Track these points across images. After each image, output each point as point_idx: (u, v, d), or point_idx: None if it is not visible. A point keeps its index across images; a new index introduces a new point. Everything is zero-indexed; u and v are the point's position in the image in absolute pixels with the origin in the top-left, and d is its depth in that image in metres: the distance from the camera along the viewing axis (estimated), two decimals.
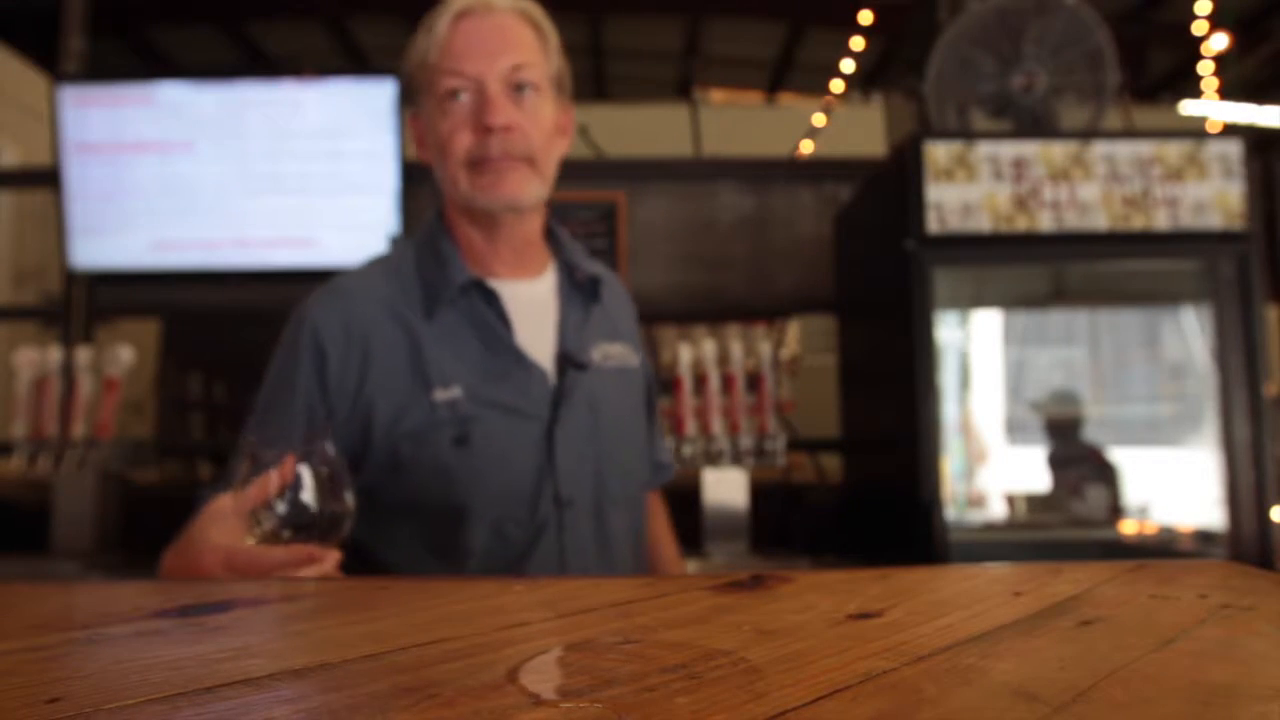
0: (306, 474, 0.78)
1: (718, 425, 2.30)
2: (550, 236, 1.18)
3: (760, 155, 3.12)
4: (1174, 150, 2.05)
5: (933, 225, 2.01)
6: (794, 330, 3.85)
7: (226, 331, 3.24)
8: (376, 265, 1.18)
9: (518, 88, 1.06)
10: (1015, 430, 2.79)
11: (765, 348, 2.39)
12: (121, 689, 0.35)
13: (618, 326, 1.20)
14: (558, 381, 1.07)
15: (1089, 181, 2.04)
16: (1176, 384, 2.61)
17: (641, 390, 1.23)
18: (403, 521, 1.04)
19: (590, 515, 1.08)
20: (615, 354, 1.16)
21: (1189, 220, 2.03)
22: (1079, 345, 2.92)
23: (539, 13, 1.10)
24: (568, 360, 1.08)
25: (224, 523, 0.84)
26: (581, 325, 1.12)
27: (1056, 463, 2.62)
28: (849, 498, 2.62)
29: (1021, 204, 2.03)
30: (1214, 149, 2.05)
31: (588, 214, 2.82)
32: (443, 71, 1.05)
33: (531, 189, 1.08)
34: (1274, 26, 5.58)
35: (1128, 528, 2.41)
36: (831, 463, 2.88)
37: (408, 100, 1.16)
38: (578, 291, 1.15)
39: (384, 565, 1.03)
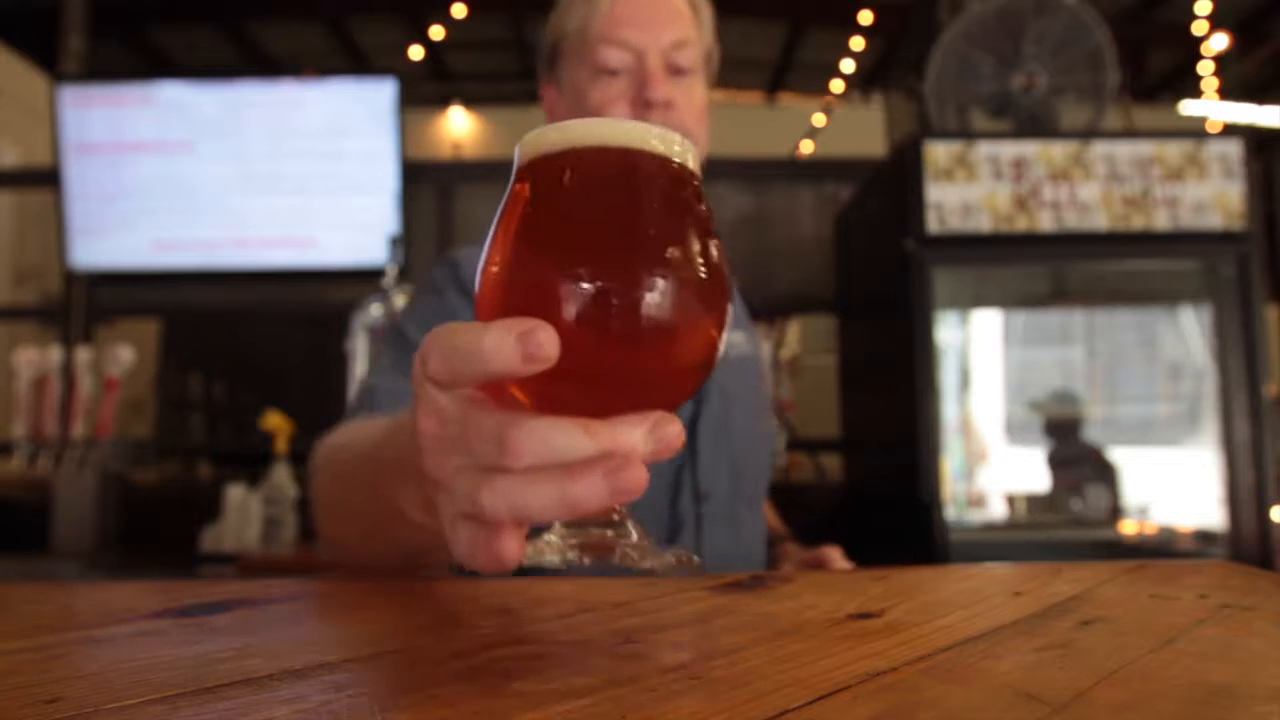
0: None
1: None
2: None
3: (760, 155, 3.12)
4: (1174, 150, 2.05)
5: (933, 225, 2.01)
6: (794, 330, 3.85)
7: (226, 331, 3.24)
8: None
9: (676, 69, 1.03)
10: (1015, 430, 2.79)
11: (765, 348, 2.39)
12: (121, 689, 0.35)
13: (737, 316, 1.17)
14: None
15: (1089, 181, 2.04)
16: (1176, 384, 2.61)
17: (766, 379, 1.22)
18: None
19: (725, 513, 1.05)
20: (737, 342, 1.14)
21: (1189, 220, 2.03)
22: (1078, 345, 2.92)
23: None
24: None
25: None
26: None
27: (1056, 463, 2.62)
28: (849, 498, 2.62)
29: (1021, 204, 2.03)
30: (1214, 149, 2.05)
31: None
32: (603, 41, 1.01)
33: None
34: (1274, 26, 5.58)
35: (1128, 528, 2.41)
36: (831, 463, 2.88)
37: (546, 67, 1.11)
38: None
39: None
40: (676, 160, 0.43)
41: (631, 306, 0.38)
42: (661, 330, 0.39)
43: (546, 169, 0.42)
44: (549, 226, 0.40)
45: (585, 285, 0.38)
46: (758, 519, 1.11)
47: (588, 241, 0.39)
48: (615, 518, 0.42)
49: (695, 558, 0.40)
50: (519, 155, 0.44)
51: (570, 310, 0.37)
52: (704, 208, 0.43)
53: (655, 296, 0.38)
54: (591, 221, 0.40)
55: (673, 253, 0.40)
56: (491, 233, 0.43)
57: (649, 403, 0.40)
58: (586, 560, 0.38)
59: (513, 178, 0.44)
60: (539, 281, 0.39)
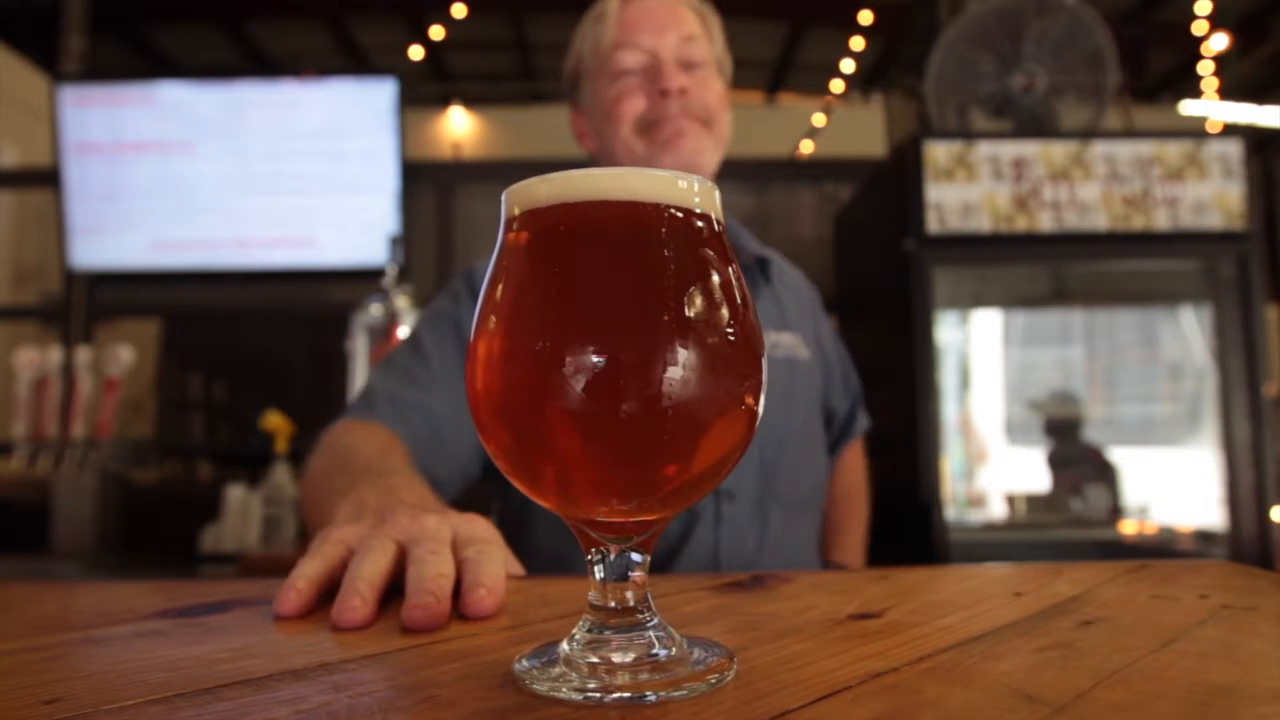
0: None
1: None
2: None
3: (760, 155, 3.12)
4: (1174, 150, 2.05)
5: (933, 225, 2.01)
6: None
7: (226, 331, 3.24)
8: None
9: (689, 63, 1.09)
10: (1015, 430, 2.79)
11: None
12: (121, 689, 0.35)
13: (787, 315, 1.15)
14: None
15: (1089, 181, 2.04)
16: (1176, 384, 2.61)
17: (815, 385, 1.17)
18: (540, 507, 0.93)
19: (752, 511, 1.01)
20: (783, 343, 1.10)
21: (1189, 220, 2.03)
22: (1078, 345, 2.92)
23: (698, 0, 1.16)
24: None
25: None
26: None
27: (1056, 463, 2.62)
28: None
29: (1021, 204, 2.03)
30: (1214, 149, 2.05)
31: None
32: (618, 46, 1.07)
33: (707, 150, 1.09)
34: (1274, 26, 5.58)
35: (1128, 528, 2.41)
36: None
37: (570, 96, 1.18)
38: (743, 273, 1.13)
39: (529, 551, 0.93)
40: (696, 208, 0.37)
41: (647, 407, 0.33)
42: (687, 430, 0.34)
43: (538, 224, 0.36)
44: (540, 311, 0.35)
45: (588, 385, 0.33)
46: (799, 520, 1.07)
47: (589, 325, 0.34)
48: (637, 608, 0.37)
49: (732, 661, 0.37)
50: (506, 207, 0.38)
51: (573, 415, 0.33)
52: (728, 258, 0.38)
53: (674, 389, 0.33)
54: (591, 301, 0.34)
55: (693, 331, 0.34)
56: (481, 300, 0.38)
57: (685, 500, 0.37)
58: (609, 698, 0.33)
59: (501, 229, 0.38)
60: (535, 383, 0.34)
